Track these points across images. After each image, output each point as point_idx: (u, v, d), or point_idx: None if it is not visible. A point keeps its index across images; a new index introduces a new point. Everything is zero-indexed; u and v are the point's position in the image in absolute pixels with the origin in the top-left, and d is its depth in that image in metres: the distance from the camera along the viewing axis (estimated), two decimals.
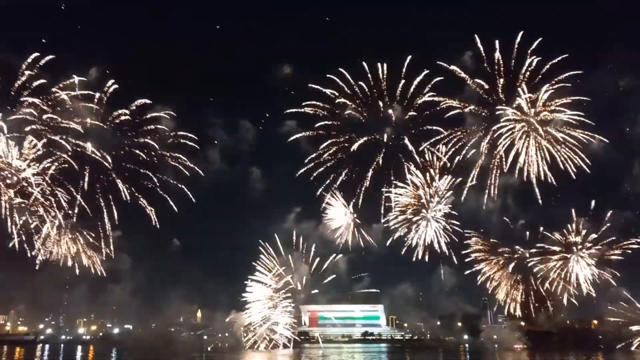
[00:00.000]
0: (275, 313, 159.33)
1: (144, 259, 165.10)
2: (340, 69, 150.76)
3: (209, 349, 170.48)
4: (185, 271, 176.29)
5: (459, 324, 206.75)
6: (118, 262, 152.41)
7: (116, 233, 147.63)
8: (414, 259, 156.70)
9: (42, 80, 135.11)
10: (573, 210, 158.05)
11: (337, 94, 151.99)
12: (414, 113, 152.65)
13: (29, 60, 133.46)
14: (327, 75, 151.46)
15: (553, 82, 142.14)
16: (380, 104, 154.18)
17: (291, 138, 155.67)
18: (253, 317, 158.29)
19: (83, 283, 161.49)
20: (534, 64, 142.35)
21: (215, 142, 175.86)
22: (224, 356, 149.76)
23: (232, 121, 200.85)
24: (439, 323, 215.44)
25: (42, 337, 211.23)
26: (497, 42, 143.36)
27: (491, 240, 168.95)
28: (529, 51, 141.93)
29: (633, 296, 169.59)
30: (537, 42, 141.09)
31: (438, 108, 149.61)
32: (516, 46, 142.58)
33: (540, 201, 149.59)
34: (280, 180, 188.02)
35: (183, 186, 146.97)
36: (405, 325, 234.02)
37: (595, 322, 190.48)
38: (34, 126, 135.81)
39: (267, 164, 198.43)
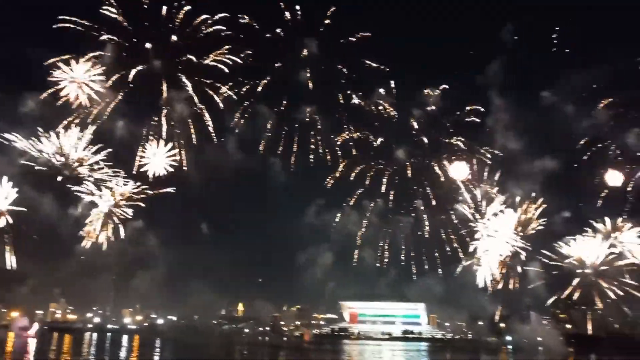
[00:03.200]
0: None
1: (172, 246, 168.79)
2: None
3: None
4: (219, 261, 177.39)
5: (502, 324, 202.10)
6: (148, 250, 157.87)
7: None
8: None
9: None
10: None
11: None
12: None
13: None
14: None
15: None
16: None
17: None
18: None
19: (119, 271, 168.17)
20: None
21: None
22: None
23: None
24: (481, 323, 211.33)
25: (90, 325, 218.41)
26: None
27: None
28: None
29: None
30: None
31: None
32: None
33: None
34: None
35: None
36: (447, 324, 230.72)
37: None
38: None
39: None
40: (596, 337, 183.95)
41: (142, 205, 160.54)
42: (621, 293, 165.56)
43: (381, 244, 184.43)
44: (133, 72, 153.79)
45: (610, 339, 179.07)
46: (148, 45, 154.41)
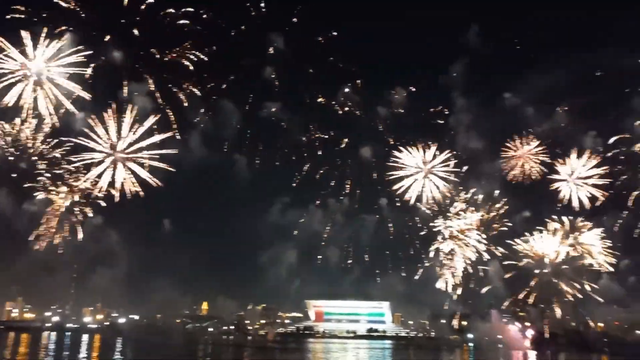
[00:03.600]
0: None
1: (133, 244, 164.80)
2: None
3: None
4: (182, 259, 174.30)
5: (464, 322, 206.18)
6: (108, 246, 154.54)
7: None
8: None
9: None
10: None
11: None
12: None
13: None
14: None
15: None
16: None
17: None
18: None
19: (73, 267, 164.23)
20: None
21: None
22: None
23: None
24: (443, 321, 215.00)
25: (48, 324, 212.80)
26: None
27: None
28: None
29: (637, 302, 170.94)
30: None
31: None
32: None
33: None
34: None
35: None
36: (410, 322, 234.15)
37: (602, 325, 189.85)
38: None
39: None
40: (553, 334, 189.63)
41: (103, 203, 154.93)
42: (579, 295, 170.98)
43: (346, 244, 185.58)
44: (95, 64, 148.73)
45: (566, 336, 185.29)
46: (107, 37, 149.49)
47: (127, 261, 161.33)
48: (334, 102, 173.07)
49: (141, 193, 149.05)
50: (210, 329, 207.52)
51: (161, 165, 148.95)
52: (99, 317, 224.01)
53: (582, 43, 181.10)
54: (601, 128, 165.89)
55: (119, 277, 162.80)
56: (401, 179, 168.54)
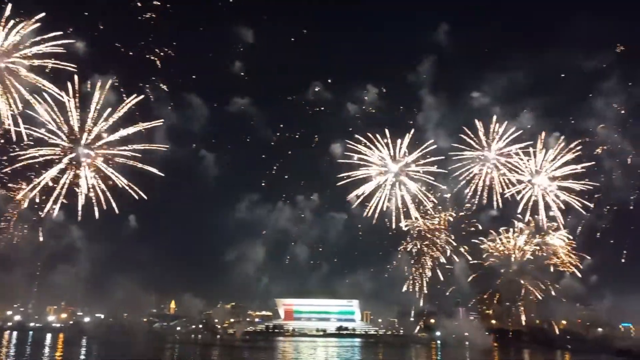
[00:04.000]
0: None
1: (97, 241, 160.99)
2: None
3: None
4: (149, 257, 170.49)
5: (432, 320, 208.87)
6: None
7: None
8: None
9: None
10: None
11: None
12: None
13: None
14: None
15: None
16: None
17: None
18: None
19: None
20: None
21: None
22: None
23: None
24: (412, 319, 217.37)
25: (9, 323, 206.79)
26: None
27: None
28: None
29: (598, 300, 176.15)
30: None
31: None
32: None
33: None
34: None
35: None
36: (380, 320, 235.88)
37: (564, 322, 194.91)
38: None
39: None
40: (517, 332, 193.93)
41: (64, 201, 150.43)
42: (542, 294, 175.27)
43: (315, 242, 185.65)
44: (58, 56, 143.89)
45: (530, 333, 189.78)
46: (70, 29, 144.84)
47: (90, 258, 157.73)
48: (303, 102, 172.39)
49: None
50: (178, 328, 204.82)
51: (150, 169, 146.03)
52: (63, 316, 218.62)
53: (545, 43, 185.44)
54: (563, 129, 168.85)
55: (82, 274, 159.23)
56: (366, 180, 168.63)
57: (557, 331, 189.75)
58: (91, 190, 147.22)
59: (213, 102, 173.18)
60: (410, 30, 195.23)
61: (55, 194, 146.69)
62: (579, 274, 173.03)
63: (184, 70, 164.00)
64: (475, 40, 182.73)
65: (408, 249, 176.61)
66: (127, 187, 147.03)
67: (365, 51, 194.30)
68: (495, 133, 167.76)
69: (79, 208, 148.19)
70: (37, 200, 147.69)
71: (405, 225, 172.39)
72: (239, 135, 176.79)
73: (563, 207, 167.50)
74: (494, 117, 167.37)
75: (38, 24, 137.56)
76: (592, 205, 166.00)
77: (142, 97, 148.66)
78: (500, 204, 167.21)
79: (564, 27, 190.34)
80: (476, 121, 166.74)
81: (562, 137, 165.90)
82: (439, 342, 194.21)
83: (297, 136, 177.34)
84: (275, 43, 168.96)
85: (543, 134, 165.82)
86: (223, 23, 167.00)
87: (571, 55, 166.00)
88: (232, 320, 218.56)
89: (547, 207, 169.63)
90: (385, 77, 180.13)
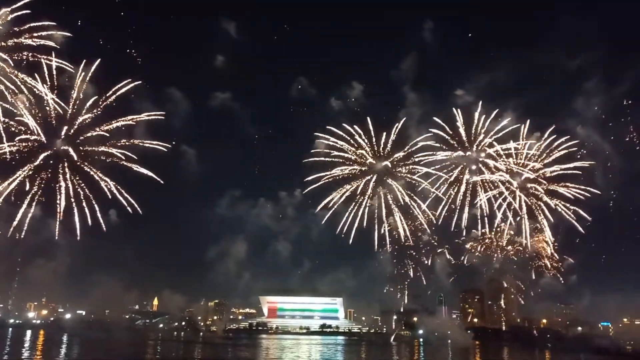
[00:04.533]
0: None
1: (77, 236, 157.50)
2: None
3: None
4: (131, 253, 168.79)
5: (415, 318, 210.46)
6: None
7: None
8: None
9: None
10: None
11: None
12: None
13: None
14: None
15: None
16: None
17: None
18: None
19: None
20: None
21: None
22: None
23: None
24: (395, 317, 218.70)
25: None
26: None
27: None
28: None
29: (576, 299, 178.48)
30: None
31: None
32: None
33: None
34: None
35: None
36: (363, 318, 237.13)
37: (545, 321, 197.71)
38: None
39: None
40: (499, 330, 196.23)
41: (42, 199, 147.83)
42: (524, 293, 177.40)
43: (297, 239, 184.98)
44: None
45: (511, 331, 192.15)
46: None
47: (70, 254, 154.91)
48: (287, 98, 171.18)
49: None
50: (161, 325, 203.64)
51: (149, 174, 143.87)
52: (44, 312, 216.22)
53: (527, 43, 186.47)
54: (543, 127, 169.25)
55: (62, 270, 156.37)
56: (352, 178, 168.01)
57: (537, 330, 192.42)
58: (69, 187, 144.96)
59: (194, 97, 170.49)
60: (395, 28, 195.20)
61: (32, 192, 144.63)
62: (560, 277, 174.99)
63: (164, 65, 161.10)
64: (460, 39, 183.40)
65: (390, 250, 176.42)
66: (107, 189, 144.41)
67: (349, 48, 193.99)
68: (479, 133, 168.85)
69: (59, 204, 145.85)
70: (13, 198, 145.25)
71: (388, 225, 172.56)
72: (221, 130, 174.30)
73: (548, 212, 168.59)
74: (476, 116, 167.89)
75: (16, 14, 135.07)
76: (573, 208, 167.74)
77: (137, 83, 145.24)
78: (485, 204, 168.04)
79: (548, 28, 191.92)
80: (459, 120, 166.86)
81: (544, 138, 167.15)
82: (421, 340, 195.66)
83: (280, 132, 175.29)
84: (259, 38, 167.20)
85: (524, 131, 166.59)
86: (205, 17, 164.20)
87: (554, 55, 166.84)
88: (215, 317, 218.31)
89: (529, 209, 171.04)
90: (369, 74, 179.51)
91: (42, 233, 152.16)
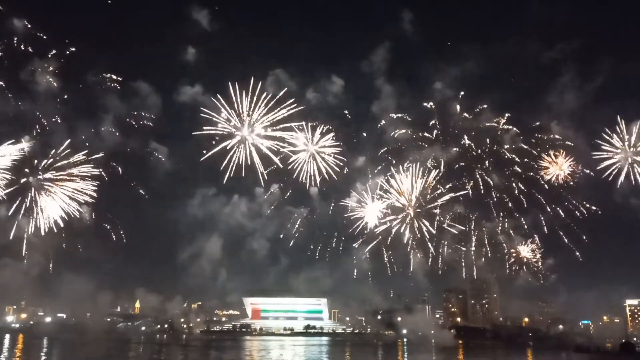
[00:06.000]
0: None
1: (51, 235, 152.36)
2: None
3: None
4: (111, 255, 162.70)
5: (398, 318, 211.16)
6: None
7: None
8: None
9: None
10: None
11: None
12: None
13: None
14: None
15: None
16: None
17: None
18: None
19: None
20: None
21: None
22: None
23: None
24: (379, 318, 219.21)
25: None
26: None
27: None
28: None
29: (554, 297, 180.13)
30: None
31: None
32: None
33: None
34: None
35: None
36: (347, 319, 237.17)
37: (527, 319, 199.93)
38: None
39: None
40: (481, 329, 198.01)
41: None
42: (505, 291, 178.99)
43: (275, 238, 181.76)
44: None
45: (493, 330, 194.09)
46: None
47: (44, 254, 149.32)
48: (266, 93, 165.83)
49: None
50: (143, 328, 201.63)
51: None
52: (23, 316, 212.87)
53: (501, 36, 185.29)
54: (518, 123, 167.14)
55: (35, 272, 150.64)
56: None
57: (519, 328, 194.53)
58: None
59: (164, 91, 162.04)
60: (368, 20, 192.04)
61: None
62: (541, 277, 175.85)
63: (133, 57, 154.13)
64: (435, 31, 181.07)
65: (368, 247, 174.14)
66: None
67: (323, 40, 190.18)
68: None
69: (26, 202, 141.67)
70: None
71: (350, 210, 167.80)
72: (192, 126, 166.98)
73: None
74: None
75: None
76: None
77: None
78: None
79: (521, 20, 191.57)
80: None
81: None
82: (405, 340, 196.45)
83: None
84: (232, 29, 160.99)
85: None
86: (176, 6, 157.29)
87: (528, 48, 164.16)
88: (198, 319, 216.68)
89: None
90: (343, 66, 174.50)
91: (8, 231, 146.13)
